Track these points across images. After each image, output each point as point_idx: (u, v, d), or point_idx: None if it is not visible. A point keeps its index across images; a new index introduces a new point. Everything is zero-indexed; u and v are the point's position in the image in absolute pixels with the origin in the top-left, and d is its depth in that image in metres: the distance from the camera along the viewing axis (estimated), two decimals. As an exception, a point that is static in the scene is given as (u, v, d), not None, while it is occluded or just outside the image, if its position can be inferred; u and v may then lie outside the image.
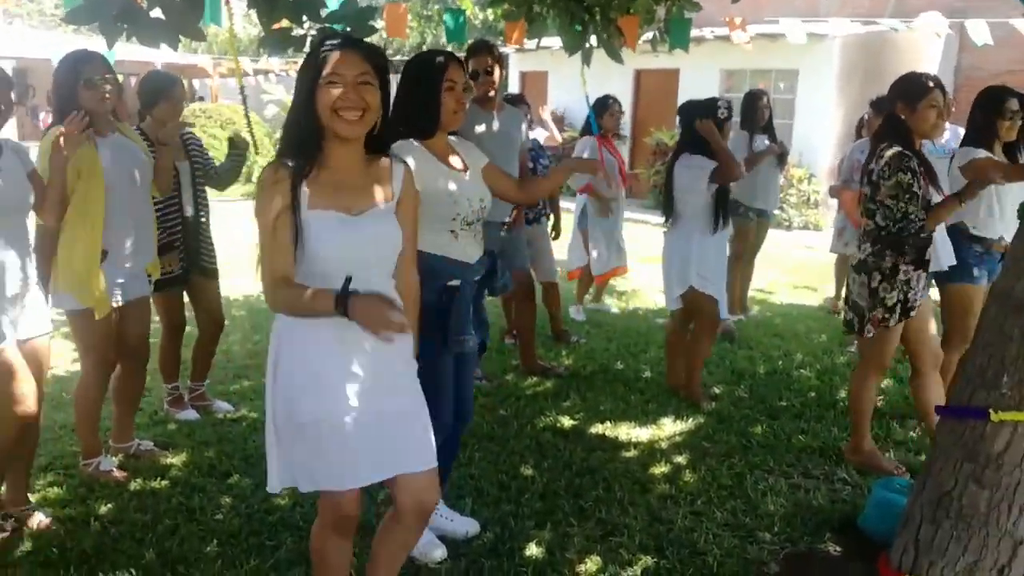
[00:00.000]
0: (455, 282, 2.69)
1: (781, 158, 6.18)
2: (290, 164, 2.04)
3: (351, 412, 2.10)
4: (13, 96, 2.83)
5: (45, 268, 3.16)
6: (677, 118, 6.04)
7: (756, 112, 6.04)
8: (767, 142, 6.06)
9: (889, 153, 3.35)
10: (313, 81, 2.01)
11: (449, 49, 3.59)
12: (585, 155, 5.88)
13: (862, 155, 5.57)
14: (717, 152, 4.13)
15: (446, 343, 2.68)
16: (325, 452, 2.11)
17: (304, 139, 2.06)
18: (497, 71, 4.22)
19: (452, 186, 2.68)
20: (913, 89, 3.42)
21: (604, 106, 6.01)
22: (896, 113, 3.43)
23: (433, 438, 2.27)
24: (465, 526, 3.06)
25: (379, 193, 2.15)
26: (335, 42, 2.05)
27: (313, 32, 3.57)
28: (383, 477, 2.19)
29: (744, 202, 6.05)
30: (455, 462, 3.53)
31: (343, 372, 2.10)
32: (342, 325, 2.00)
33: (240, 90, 4.36)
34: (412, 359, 2.31)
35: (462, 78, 2.71)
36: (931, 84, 3.41)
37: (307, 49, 3.55)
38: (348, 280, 1.93)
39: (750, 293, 6.65)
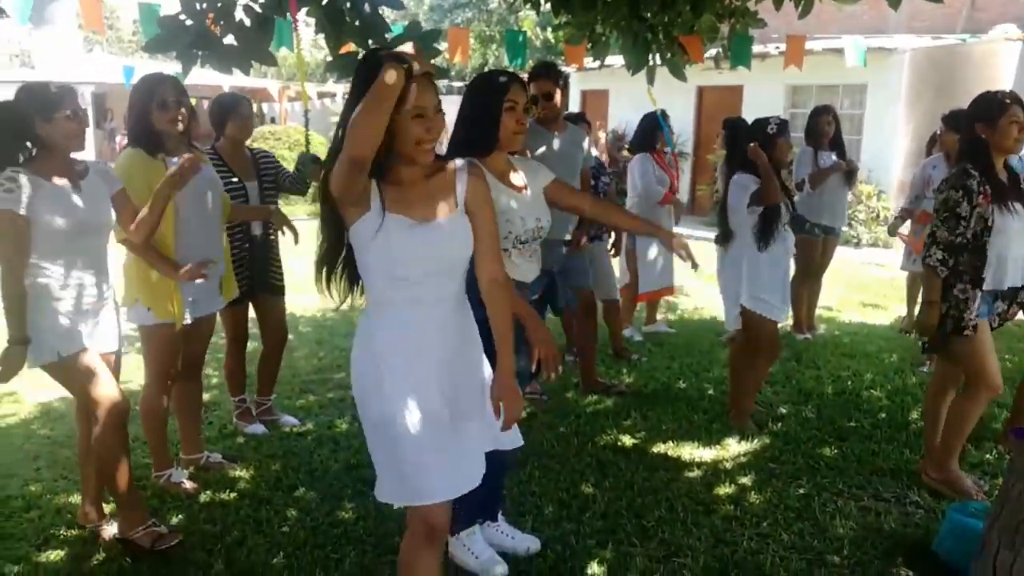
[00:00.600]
0: None
1: (850, 175, 6.06)
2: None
3: (433, 422, 2.15)
4: (85, 111, 2.96)
5: (165, 266, 3.28)
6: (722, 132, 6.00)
7: (819, 128, 5.94)
8: (834, 158, 5.96)
9: (955, 169, 3.35)
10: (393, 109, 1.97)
11: (510, 70, 3.62)
12: (637, 173, 5.85)
13: (934, 171, 5.43)
14: (761, 174, 4.05)
15: (494, 360, 2.68)
16: (418, 458, 2.13)
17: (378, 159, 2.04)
18: (558, 95, 4.25)
19: (510, 204, 2.69)
20: (991, 107, 3.37)
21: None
22: (976, 133, 3.37)
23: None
24: (526, 543, 3.05)
25: (443, 204, 2.19)
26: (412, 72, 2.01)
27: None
28: (459, 493, 2.21)
29: (810, 218, 5.95)
30: (514, 478, 3.54)
31: (421, 378, 2.15)
32: (423, 334, 2.15)
33: (304, 112, 4.48)
34: (483, 369, 2.34)
35: (523, 98, 2.72)
36: (1008, 100, 3.36)
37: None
38: None
39: (817, 311, 6.51)
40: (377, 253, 2.11)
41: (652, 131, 5.86)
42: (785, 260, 4.24)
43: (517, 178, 2.78)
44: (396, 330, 2.16)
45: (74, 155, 2.97)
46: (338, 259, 2.20)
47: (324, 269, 2.20)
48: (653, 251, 5.92)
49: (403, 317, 2.17)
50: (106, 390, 2.96)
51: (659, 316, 6.58)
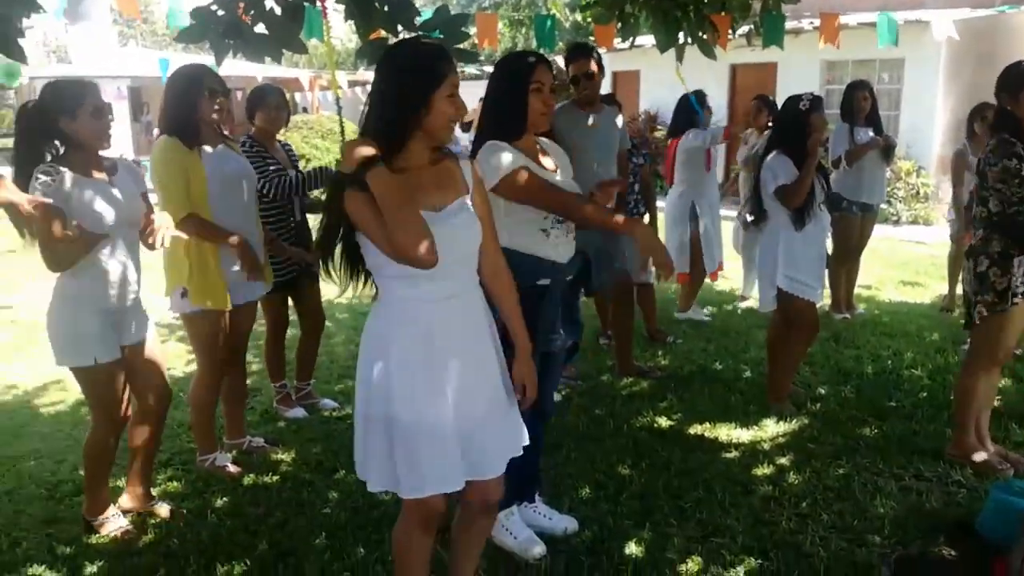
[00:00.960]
0: (545, 281, 2.70)
1: (887, 151, 5.96)
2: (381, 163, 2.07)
3: (440, 415, 2.14)
4: (109, 106, 2.98)
5: (220, 235, 3.39)
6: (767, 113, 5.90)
7: (855, 104, 5.85)
8: (871, 134, 5.86)
9: (993, 142, 3.32)
10: (431, 89, 2.06)
11: (539, 52, 3.62)
12: (705, 144, 5.80)
13: None
14: (802, 171, 4.00)
15: (534, 342, 2.69)
16: (413, 453, 2.13)
17: (395, 137, 2.09)
18: (597, 74, 4.22)
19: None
20: (1013, 79, 3.35)
21: (702, 101, 5.83)
22: (1002, 105, 3.38)
23: (519, 439, 2.35)
24: (564, 523, 3.08)
25: (454, 189, 2.19)
26: (444, 53, 2.14)
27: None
28: (461, 484, 2.22)
29: (847, 196, 5.87)
30: (551, 461, 3.56)
31: (430, 373, 2.13)
32: (442, 325, 2.13)
33: (336, 100, 4.51)
34: (502, 357, 2.32)
35: (550, 79, 2.70)
36: None
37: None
38: None
39: (856, 290, 6.42)
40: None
41: (688, 113, 5.78)
42: (821, 239, 4.18)
43: (547, 161, 2.78)
44: (409, 326, 2.13)
45: (103, 152, 3.00)
46: (335, 241, 2.14)
47: (321, 252, 2.17)
48: (711, 230, 5.84)
49: (417, 313, 2.14)
50: (114, 407, 3.05)
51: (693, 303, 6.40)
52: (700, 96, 5.83)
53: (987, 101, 5.27)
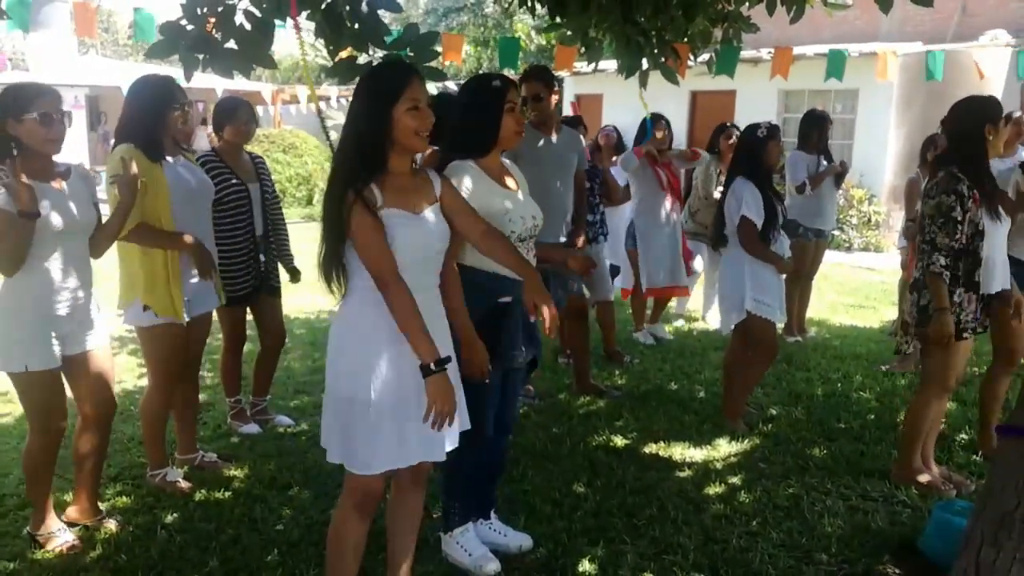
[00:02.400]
0: (506, 298, 2.75)
1: (839, 177, 6.14)
2: (360, 177, 2.25)
3: (403, 397, 2.30)
4: (65, 115, 2.92)
5: (172, 240, 3.36)
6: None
7: (823, 134, 6.07)
8: (824, 162, 6.03)
9: (942, 173, 3.37)
10: (391, 104, 2.24)
11: (504, 73, 3.68)
12: (621, 167, 5.95)
13: None
14: (768, 257, 4.16)
15: (496, 358, 2.73)
16: (378, 431, 2.30)
17: (376, 153, 2.28)
18: (549, 97, 4.29)
19: (507, 204, 2.74)
20: (992, 107, 3.44)
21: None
22: (972, 135, 3.39)
23: (464, 421, 2.50)
24: (518, 541, 3.09)
25: (428, 195, 2.40)
26: (406, 69, 2.32)
27: (377, 59, 3.69)
28: (417, 460, 2.39)
29: (803, 222, 6.02)
30: (507, 477, 3.57)
31: (399, 360, 2.29)
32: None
33: (318, 112, 4.53)
34: (452, 351, 2.48)
35: (519, 99, 2.81)
36: (998, 101, 3.49)
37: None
38: (447, 359, 2.29)
39: (809, 314, 6.56)
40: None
41: (643, 135, 5.95)
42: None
43: (510, 180, 2.84)
44: (385, 316, 2.26)
45: (57, 158, 2.95)
46: (341, 261, 2.31)
47: (329, 272, 2.32)
48: (656, 248, 5.94)
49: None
50: (49, 416, 3.00)
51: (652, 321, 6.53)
52: (654, 118, 5.95)
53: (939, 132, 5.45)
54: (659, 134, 5.92)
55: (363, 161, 2.26)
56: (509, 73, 5.61)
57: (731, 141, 6.23)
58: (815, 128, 6.07)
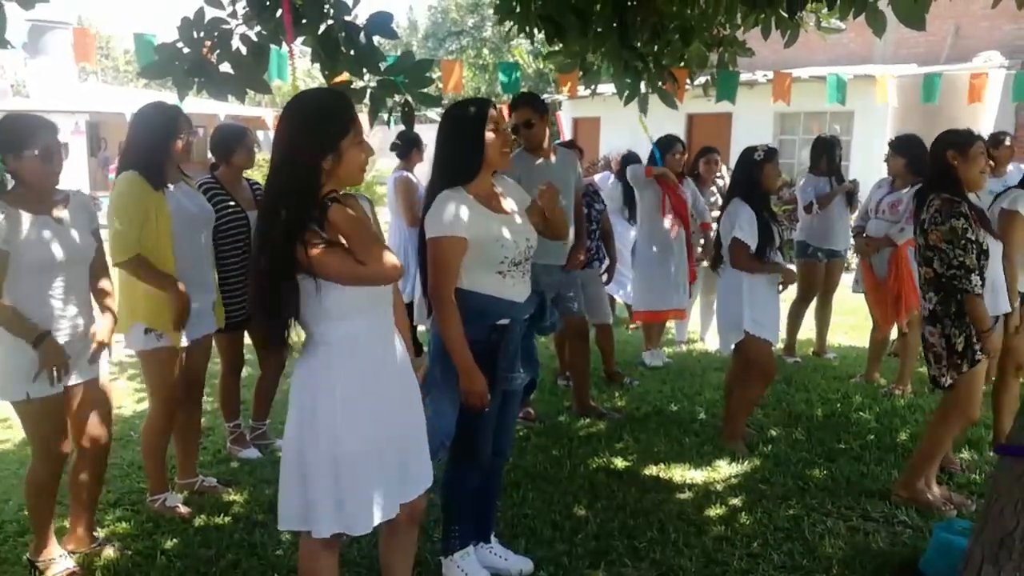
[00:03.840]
0: (504, 321, 2.75)
1: (850, 197, 6.19)
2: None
3: (382, 444, 2.27)
4: (62, 147, 2.95)
5: (163, 280, 3.34)
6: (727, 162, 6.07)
7: (835, 159, 6.14)
8: (834, 182, 6.09)
9: (938, 201, 3.39)
10: (340, 137, 2.16)
11: (504, 98, 3.73)
12: (629, 179, 6.00)
13: (878, 191, 5.51)
14: (760, 267, 4.18)
15: (494, 381, 2.74)
16: (373, 484, 2.25)
17: (312, 185, 2.18)
18: (540, 123, 4.33)
19: (500, 230, 2.73)
20: (962, 137, 3.50)
21: (667, 147, 5.92)
22: (947, 161, 3.46)
23: (433, 447, 2.54)
24: (519, 565, 3.08)
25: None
26: (350, 104, 2.28)
27: (372, 84, 3.73)
28: (395, 511, 2.33)
29: (813, 243, 6.08)
30: (507, 500, 3.56)
31: (377, 406, 2.26)
32: (376, 357, 2.29)
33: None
34: (414, 376, 2.48)
35: (501, 120, 2.78)
36: (975, 134, 3.53)
37: (367, 101, 3.72)
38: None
39: (807, 335, 6.56)
40: (337, 289, 2.17)
41: (663, 156, 5.96)
42: (776, 284, 4.33)
43: (506, 203, 2.84)
44: (351, 362, 2.24)
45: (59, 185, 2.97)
46: (291, 315, 2.21)
47: (282, 324, 2.23)
48: (647, 270, 5.93)
49: (356, 349, 2.25)
50: (51, 443, 2.99)
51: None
52: (671, 141, 5.95)
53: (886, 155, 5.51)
54: (679, 156, 5.93)
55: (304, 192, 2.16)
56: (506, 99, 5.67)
57: (711, 165, 6.38)
58: (823, 153, 6.15)
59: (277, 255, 2.11)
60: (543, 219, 2.93)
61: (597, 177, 7.73)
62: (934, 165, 3.56)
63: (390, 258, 2.17)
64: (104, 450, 3.23)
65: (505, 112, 4.64)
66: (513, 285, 2.77)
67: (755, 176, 4.23)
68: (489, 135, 2.71)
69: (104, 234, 3.17)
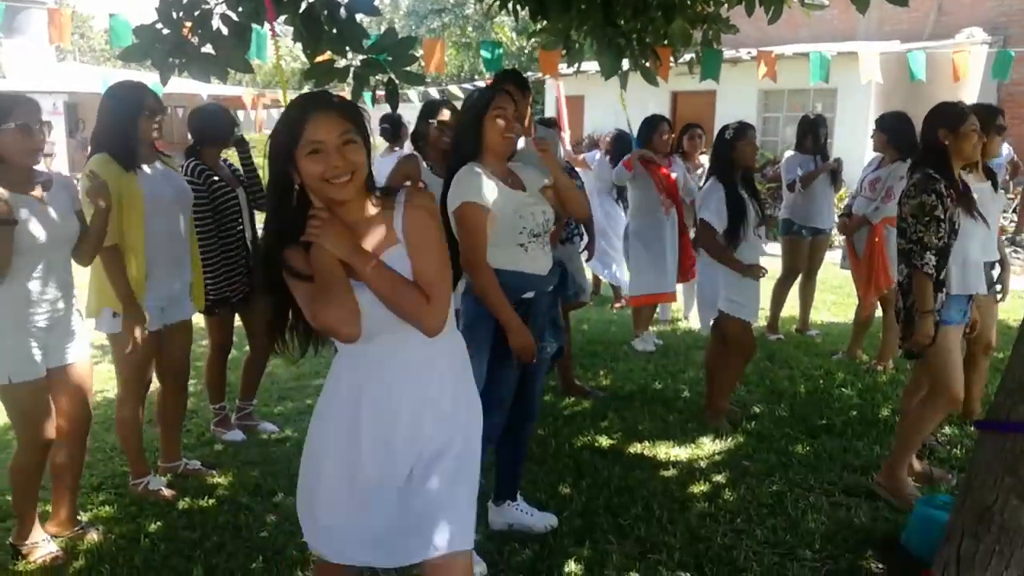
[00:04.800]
0: (529, 294, 2.87)
1: (835, 176, 6.19)
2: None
3: (356, 476, 2.07)
4: (45, 124, 2.89)
5: (125, 289, 3.27)
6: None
7: (819, 138, 6.14)
8: (818, 161, 6.10)
9: (918, 175, 3.39)
10: (291, 147, 1.90)
11: (487, 76, 3.74)
12: (615, 181, 5.97)
13: (868, 169, 5.53)
14: (726, 260, 4.17)
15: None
16: (317, 506, 2.14)
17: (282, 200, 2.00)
18: (522, 101, 4.29)
19: (515, 201, 2.83)
20: (953, 114, 3.46)
21: (652, 127, 5.70)
22: (937, 139, 3.44)
23: (471, 511, 2.10)
24: (544, 520, 3.23)
25: (376, 240, 1.99)
26: (307, 106, 1.92)
27: (356, 63, 3.69)
28: (379, 561, 2.12)
29: (797, 220, 6.10)
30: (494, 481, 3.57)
31: (367, 436, 2.06)
32: (385, 382, 2.05)
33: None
34: (457, 433, 2.13)
35: (511, 106, 2.88)
36: (967, 110, 3.48)
37: (350, 80, 3.69)
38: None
39: (791, 312, 6.59)
40: None
41: (650, 136, 5.78)
42: (756, 262, 4.32)
43: (514, 180, 2.93)
44: (335, 384, 2.13)
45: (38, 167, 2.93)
46: (288, 319, 2.07)
47: (279, 332, 2.08)
48: (646, 255, 5.82)
49: (341, 373, 2.13)
50: (36, 427, 2.96)
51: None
52: (656, 120, 5.80)
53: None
54: (665, 137, 5.78)
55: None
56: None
57: (695, 141, 6.35)
58: (808, 132, 6.17)
59: (275, 276, 1.99)
60: (559, 198, 3.04)
61: (584, 156, 7.71)
62: (923, 141, 3.54)
63: (343, 323, 1.91)
64: (84, 432, 3.21)
65: None
66: (534, 258, 2.88)
67: (727, 154, 4.23)
68: (492, 120, 2.83)
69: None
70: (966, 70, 8.39)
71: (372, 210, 2.01)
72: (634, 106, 5.87)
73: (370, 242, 1.98)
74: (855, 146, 11.81)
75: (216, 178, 3.93)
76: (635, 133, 5.91)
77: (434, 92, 14.97)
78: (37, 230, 2.83)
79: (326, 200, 1.94)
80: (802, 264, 6.25)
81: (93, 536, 3.22)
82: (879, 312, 5.64)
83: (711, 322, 4.39)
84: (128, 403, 3.53)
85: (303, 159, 1.89)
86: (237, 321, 4.27)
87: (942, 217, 3.31)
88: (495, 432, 2.96)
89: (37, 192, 2.88)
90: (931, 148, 3.47)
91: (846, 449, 4.02)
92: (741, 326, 4.26)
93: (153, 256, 3.37)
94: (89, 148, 3.42)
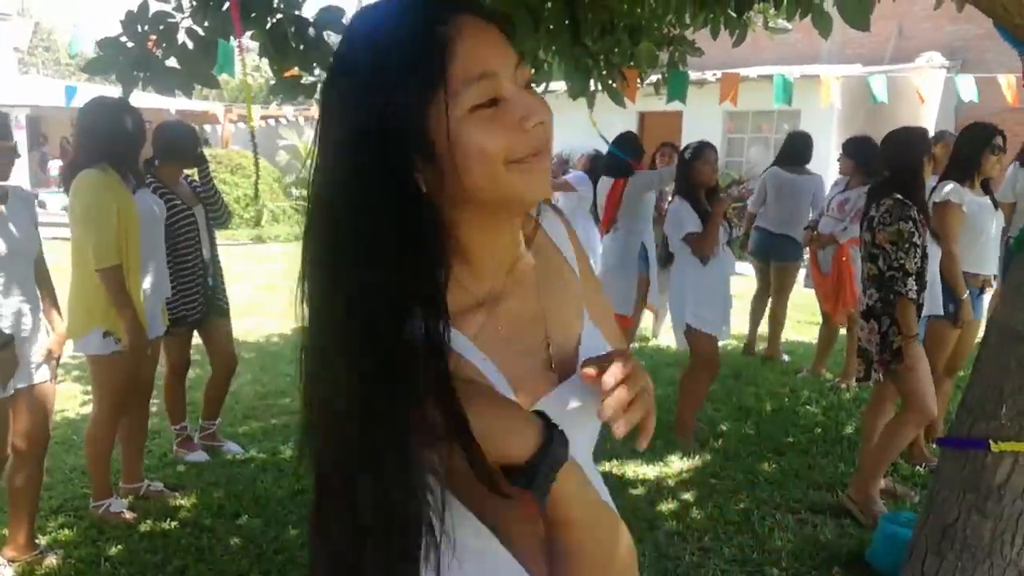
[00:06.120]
0: None
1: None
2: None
3: None
4: (16, 141, 2.88)
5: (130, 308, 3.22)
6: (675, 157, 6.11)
7: (807, 153, 6.20)
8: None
9: (890, 202, 3.42)
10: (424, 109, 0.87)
11: None
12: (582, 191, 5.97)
13: (834, 189, 5.63)
14: (708, 225, 4.21)
15: None
16: None
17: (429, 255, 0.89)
18: None
19: None
20: (929, 143, 3.60)
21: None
22: (910, 164, 3.48)
23: None
24: None
25: (569, 314, 1.07)
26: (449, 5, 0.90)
27: (323, 79, 3.67)
28: None
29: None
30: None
31: None
32: None
33: (251, 137, 4.47)
34: None
35: None
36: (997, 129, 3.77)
37: (318, 96, 3.67)
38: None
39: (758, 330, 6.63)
40: None
41: (692, 164, 5.80)
42: (725, 279, 4.38)
43: None
44: None
45: None
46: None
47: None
48: (626, 276, 5.77)
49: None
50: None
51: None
52: (626, 139, 5.83)
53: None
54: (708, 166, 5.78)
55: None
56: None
57: (666, 159, 6.41)
58: (799, 147, 6.24)
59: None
60: None
61: (570, 176, 7.63)
62: (893, 165, 3.56)
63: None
64: (43, 453, 3.13)
65: None
66: None
67: (687, 173, 4.33)
68: None
69: (47, 231, 3.08)
70: (928, 93, 8.58)
71: (522, 247, 1.05)
72: (601, 126, 5.91)
73: (565, 325, 1.05)
74: (818, 167, 11.98)
75: (171, 196, 3.88)
76: (606, 151, 5.93)
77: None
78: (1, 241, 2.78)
79: (492, 216, 0.95)
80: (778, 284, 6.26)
81: (52, 560, 3.14)
82: (843, 331, 5.72)
83: (684, 339, 4.43)
84: (105, 424, 3.46)
85: (465, 120, 0.87)
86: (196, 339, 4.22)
87: (918, 243, 3.37)
88: None
89: None
90: (909, 173, 3.49)
91: (811, 466, 4.06)
92: (708, 341, 4.30)
93: (144, 277, 3.36)
94: (53, 162, 3.37)
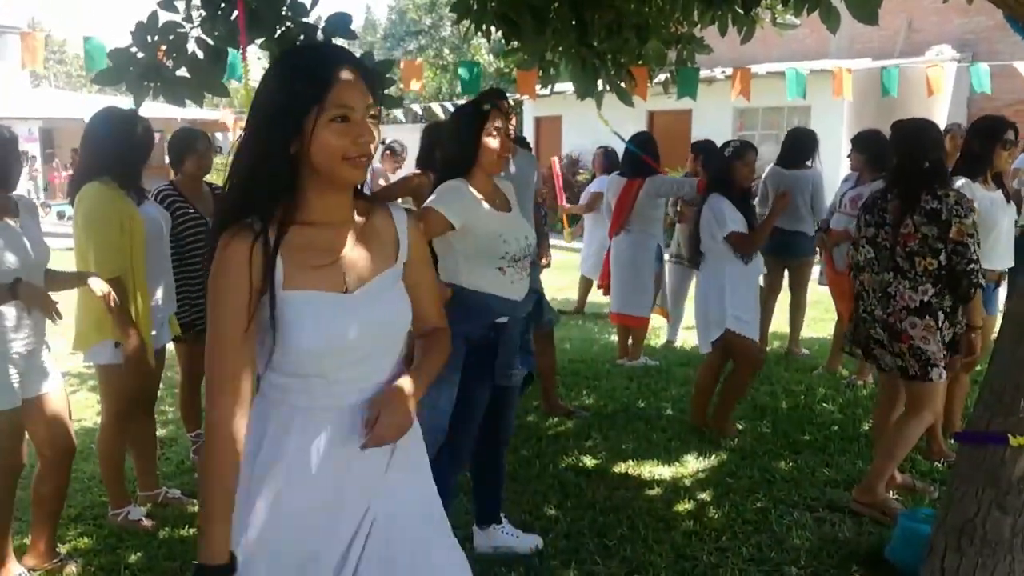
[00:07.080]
0: (503, 319, 2.82)
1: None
2: (256, 227, 1.50)
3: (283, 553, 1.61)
4: (24, 153, 2.91)
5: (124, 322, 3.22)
6: (692, 154, 6.08)
7: (811, 150, 6.13)
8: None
9: (955, 194, 3.27)
10: (307, 112, 1.47)
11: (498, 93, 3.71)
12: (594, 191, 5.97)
13: (845, 184, 5.59)
14: (758, 229, 4.29)
15: (491, 377, 2.82)
16: None
17: (277, 188, 1.52)
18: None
19: (500, 224, 2.81)
20: (936, 130, 3.51)
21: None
22: (939, 155, 3.39)
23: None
24: (530, 542, 3.20)
25: (382, 256, 1.64)
26: (337, 62, 1.50)
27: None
28: None
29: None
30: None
31: (291, 505, 1.59)
32: (312, 438, 1.59)
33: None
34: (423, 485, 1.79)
35: (506, 124, 2.88)
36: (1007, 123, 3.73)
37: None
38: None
39: (771, 328, 6.59)
40: (281, 341, 1.54)
41: (733, 163, 5.76)
42: (757, 278, 4.41)
43: (502, 202, 2.91)
44: (271, 430, 1.61)
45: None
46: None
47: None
48: (644, 276, 5.80)
49: (292, 422, 1.60)
50: (11, 455, 2.93)
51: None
52: (643, 139, 5.75)
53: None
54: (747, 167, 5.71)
55: (265, 201, 1.52)
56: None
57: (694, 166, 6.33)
58: (802, 144, 6.17)
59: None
60: None
61: (590, 189, 7.56)
62: (916, 156, 3.37)
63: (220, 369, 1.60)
64: (69, 462, 3.15)
65: None
66: (512, 282, 2.84)
67: (726, 173, 4.35)
68: (486, 139, 2.80)
69: (54, 242, 3.10)
70: (940, 85, 8.54)
71: (358, 215, 1.63)
72: (612, 125, 5.90)
73: (372, 255, 1.61)
74: (829, 162, 11.92)
75: (183, 205, 3.90)
76: (622, 147, 5.90)
77: (417, 109, 14.99)
78: (11, 257, 2.80)
79: (328, 184, 1.53)
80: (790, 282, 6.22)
81: (72, 568, 3.16)
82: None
83: (711, 341, 4.42)
84: (115, 434, 3.47)
85: (324, 127, 1.47)
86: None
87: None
88: (468, 454, 2.95)
89: (8, 218, 2.85)
90: (939, 162, 3.36)
91: (828, 464, 4.04)
92: (747, 342, 4.35)
93: (152, 287, 3.37)
94: (66, 173, 3.40)
